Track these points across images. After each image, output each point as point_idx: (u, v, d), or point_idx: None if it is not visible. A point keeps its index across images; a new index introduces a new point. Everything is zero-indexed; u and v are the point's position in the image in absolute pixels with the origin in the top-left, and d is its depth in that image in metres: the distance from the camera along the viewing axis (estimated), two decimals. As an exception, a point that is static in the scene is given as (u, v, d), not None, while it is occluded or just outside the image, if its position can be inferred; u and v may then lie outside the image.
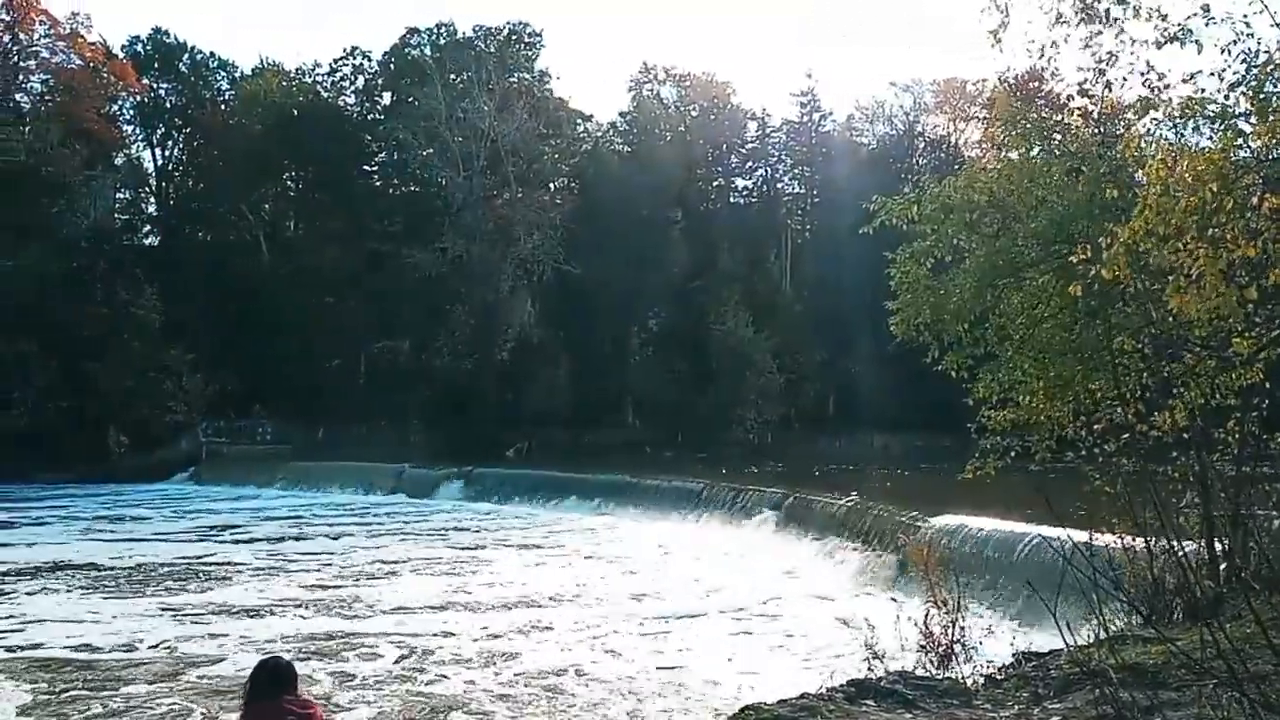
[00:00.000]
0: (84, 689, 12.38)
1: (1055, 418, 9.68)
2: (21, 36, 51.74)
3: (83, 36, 54.02)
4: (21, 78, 52.81)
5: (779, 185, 67.85)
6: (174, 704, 11.82)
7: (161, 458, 47.17)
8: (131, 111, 61.50)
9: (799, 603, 18.37)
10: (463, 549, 25.78)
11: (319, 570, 22.00)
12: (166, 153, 64.05)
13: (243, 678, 5.89)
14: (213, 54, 63.92)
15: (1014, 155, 10.30)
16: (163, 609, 17.37)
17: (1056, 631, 13.73)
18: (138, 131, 62.80)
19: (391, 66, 62.37)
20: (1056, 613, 5.40)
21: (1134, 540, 9.01)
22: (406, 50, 61.51)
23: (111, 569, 21.88)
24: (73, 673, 13.16)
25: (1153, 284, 7.67)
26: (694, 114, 65.13)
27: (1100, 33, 8.05)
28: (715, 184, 66.22)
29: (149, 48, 61.51)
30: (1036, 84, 11.41)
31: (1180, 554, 9.01)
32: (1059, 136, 10.00)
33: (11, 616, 16.67)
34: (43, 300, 45.39)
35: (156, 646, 14.63)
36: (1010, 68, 9.34)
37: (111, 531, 28.98)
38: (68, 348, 45.63)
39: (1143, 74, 7.89)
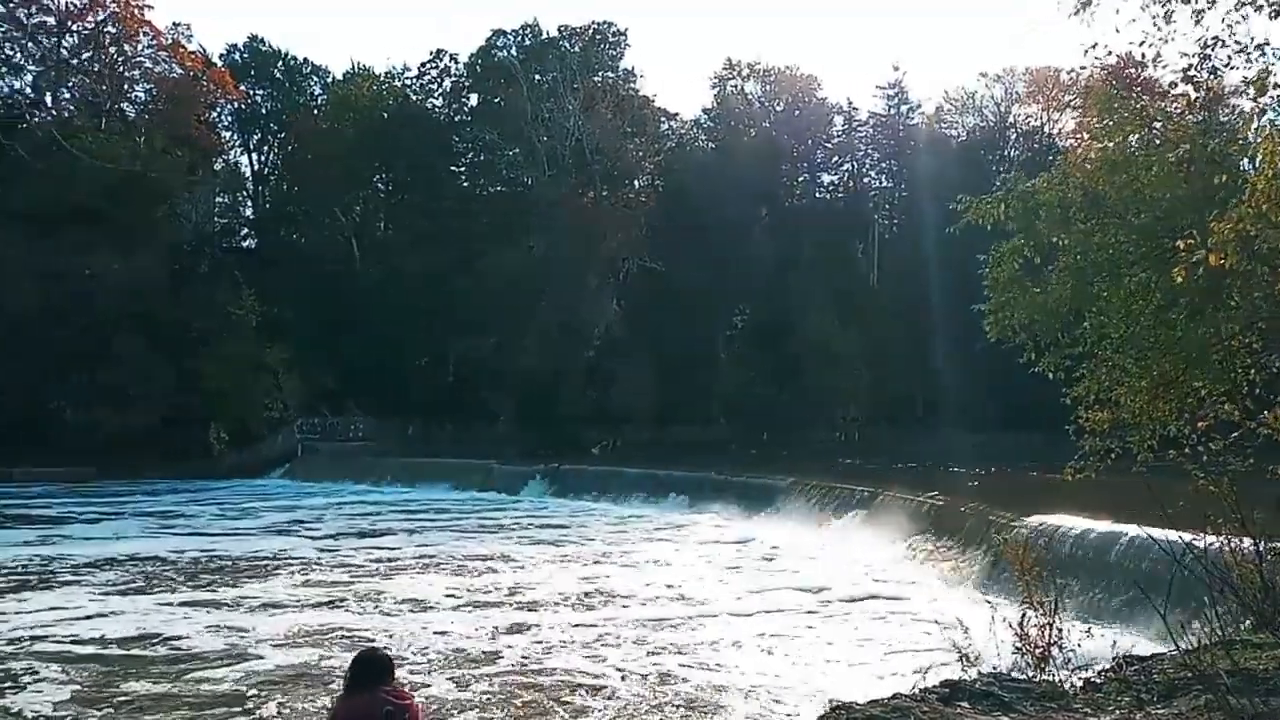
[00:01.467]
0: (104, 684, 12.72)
1: (1158, 417, 9.40)
2: (127, 49, 53.72)
3: (184, 46, 55.92)
4: (127, 88, 54.82)
5: (865, 180, 67.03)
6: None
7: (259, 455, 48.60)
8: (230, 118, 63.54)
9: (887, 601, 18.16)
10: (553, 544, 26.05)
11: (426, 563, 22.41)
12: (262, 157, 66.09)
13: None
14: (306, 60, 65.81)
15: (1110, 145, 10.01)
16: (214, 603, 17.77)
17: (1156, 635, 13.40)
18: (235, 137, 64.90)
19: (478, 68, 63.22)
20: (1165, 615, 5.22)
21: (1242, 542, 8.72)
22: (493, 52, 62.30)
23: (174, 562, 22.51)
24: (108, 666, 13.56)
25: (1263, 270, 7.39)
26: (779, 109, 64.70)
27: (1204, 11, 7.76)
28: (800, 179, 65.67)
29: (245, 55, 63.48)
30: (1135, 70, 11.08)
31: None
32: (1159, 125, 9.68)
33: (55, 608, 17.19)
34: (148, 302, 47.12)
35: (177, 639, 14.99)
36: (1107, 48, 9.03)
37: (192, 527, 29.89)
38: (171, 348, 47.33)
39: (1255, 49, 7.56)
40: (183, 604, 17.72)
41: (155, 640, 14.98)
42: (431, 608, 17.61)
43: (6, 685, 12.54)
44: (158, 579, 20.38)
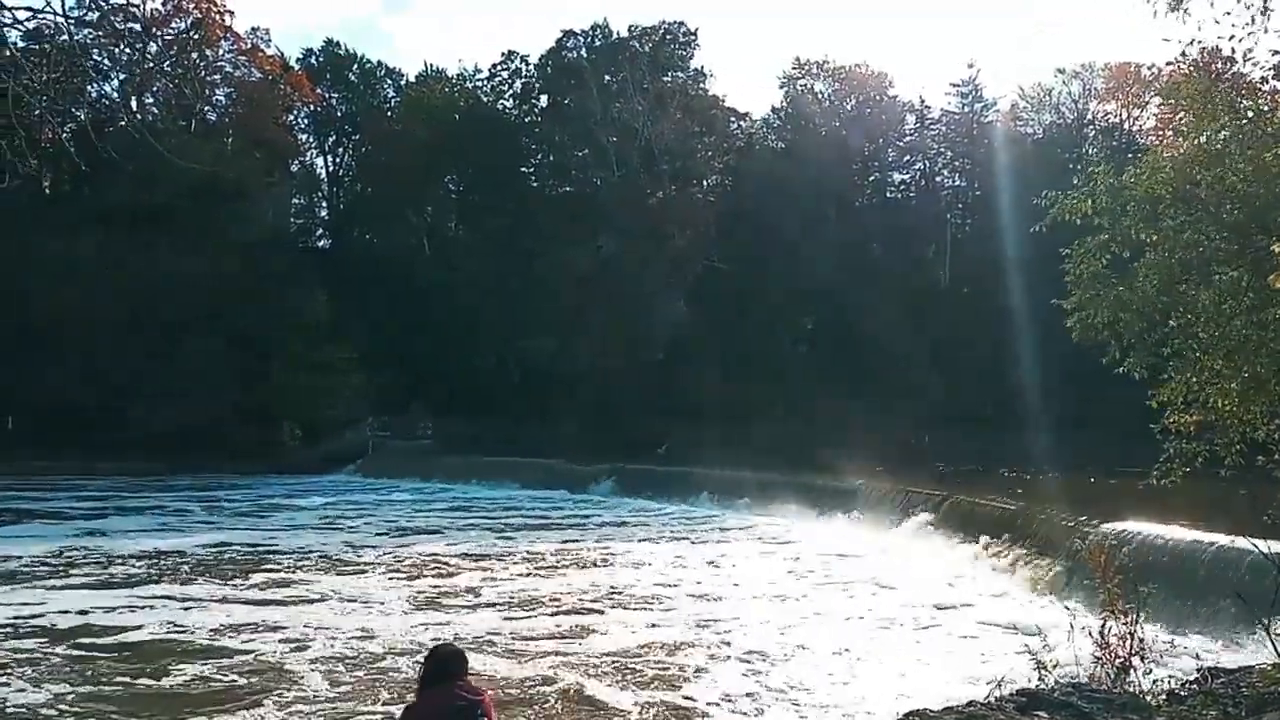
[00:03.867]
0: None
1: (1248, 420, 9.10)
2: (209, 53, 55.17)
3: (262, 50, 57.26)
4: (209, 92, 56.28)
5: (937, 179, 66.03)
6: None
7: (329, 452, 49.52)
8: (306, 120, 64.92)
9: (961, 608, 17.84)
10: (623, 542, 26.19)
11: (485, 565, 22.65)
12: (337, 159, 67.41)
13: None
14: (380, 63, 66.99)
15: (1201, 139, 9.71)
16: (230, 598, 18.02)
17: (1242, 648, 12.96)
18: (311, 139, 66.29)
19: (548, 69, 63.62)
20: (1269, 627, 5.04)
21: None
22: (563, 53, 62.66)
23: (212, 556, 22.97)
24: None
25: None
26: (848, 108, 64.04)
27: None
28: (871, 179, 64.92)
29: (321, 59, 64.81)
30: (1224, 64, 10.75)
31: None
32: (1249, 119, 9.37)
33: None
34: (224, 300, 48.35)
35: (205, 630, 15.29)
36: (1197, 40, 8.77)
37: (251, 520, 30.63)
38: (245, 346, 48.50)
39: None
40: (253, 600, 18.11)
41: (226, 631, 15.29)
42: (498, 604, 17.80)
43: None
44: (200, 571, 20.85)
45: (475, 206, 63.83)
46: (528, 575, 20.90)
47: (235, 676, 12.78)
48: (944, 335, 50.82)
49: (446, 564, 22.10)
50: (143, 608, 16.88)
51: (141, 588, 18.75)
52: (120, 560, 21.89)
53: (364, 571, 21.09)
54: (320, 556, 23.07)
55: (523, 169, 64.85)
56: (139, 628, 15.46)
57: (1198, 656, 11.77)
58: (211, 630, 15.23)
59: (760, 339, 53.12)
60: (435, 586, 19.40)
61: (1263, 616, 7.79)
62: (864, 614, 17.34)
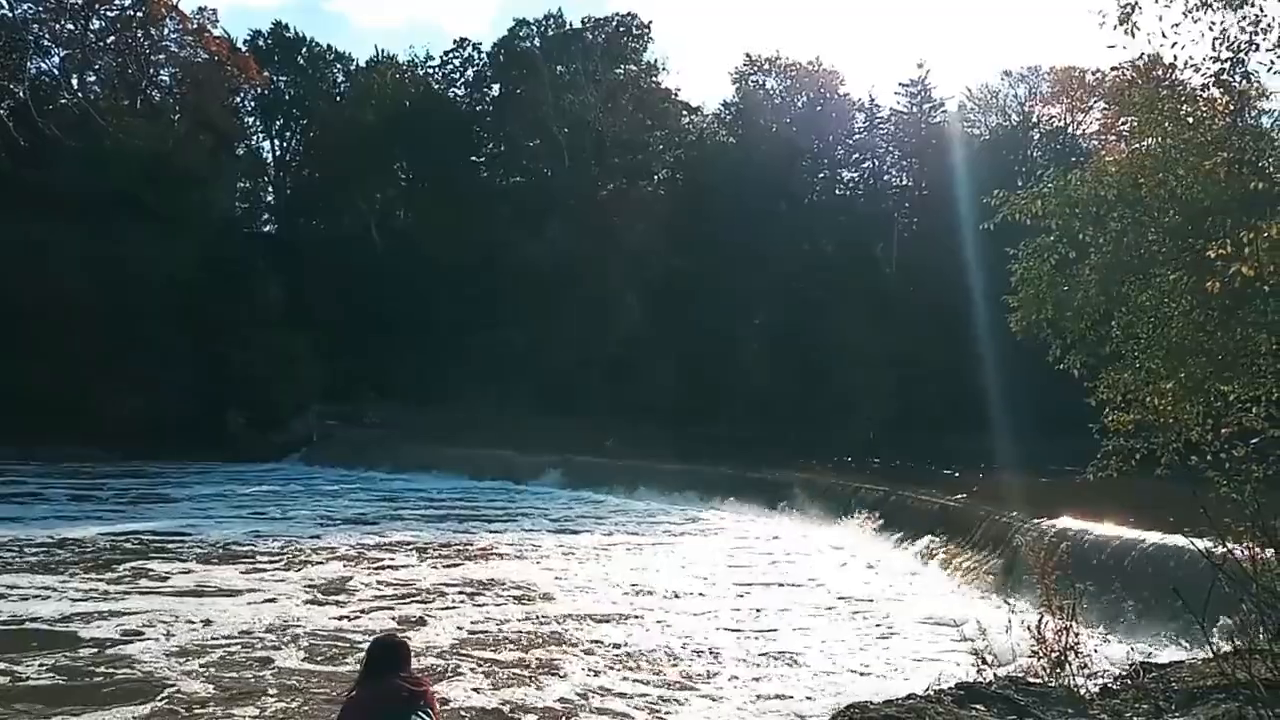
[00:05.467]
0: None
1: (1183, 420, 9.29)
2: (153, 32, 53.97)
3: (209, 31, 56.12)
4: (153, 71, 55.11)
5: (885, 178, 66.66)
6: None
7: (277, 440, 48.80)
8: (252, 104, 63.79)
9: (900, 602, 18.05)
10: (562, 533, 26.10)
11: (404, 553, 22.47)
12: (284, 144, 66.28)
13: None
14: (330, 47, 65.90)
15: (1146, 144, 9.90)
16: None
17: (1172, 643, 13.24)
18: (258, 123, 65.14)
19: (501, 58, 63.19)
20: (1203, 623, 5.13)
21: (1264, 551, 8.61)
22: (515, 42, 62.27)
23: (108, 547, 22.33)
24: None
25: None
26: (799, 105, 64.38)
27: (1245, 15, 7.65)
28: (820, 175, 65.28)
29: (270, 41, 63.61)
30: (1164, 72, 10.96)
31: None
32: (1191, 122, 9.56)
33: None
34: (175, 285, 47.44)
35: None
36: (1145, 53, 8.95)
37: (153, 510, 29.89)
38: (194, 332, 47.64)
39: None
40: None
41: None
42: (436, 594, 17.59)
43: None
44: (69, 563, 20.13)
45: (426, 195, 63.16)
46: (452, 566, 20.60)
47: (64, 672, 12.46)
48: (897, 334, 51.28)
49: (347, 556, 21.62)
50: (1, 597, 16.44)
51: (6, 576, 18.31)
52: (16, 549, 21.24)
53: (260, 563, 20.54)
54: (221, 547, 22.53)
55: (473, 158, 64.34)
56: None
57: (1131, 651, 12.03)
58: (61, 618, 14.91)
59: (713, 335, 53.24)
60: (328, 578, 18.97)
61: (1196, 612, 7.94)
62: (803, 608, 17.43)
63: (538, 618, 15.93)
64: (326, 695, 11.47)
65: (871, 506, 26.75)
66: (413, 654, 5.96)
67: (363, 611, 16.08)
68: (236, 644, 13.75)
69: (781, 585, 19.69)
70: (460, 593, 17.77)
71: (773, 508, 30.30)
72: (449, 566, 20.50)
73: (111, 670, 12.45)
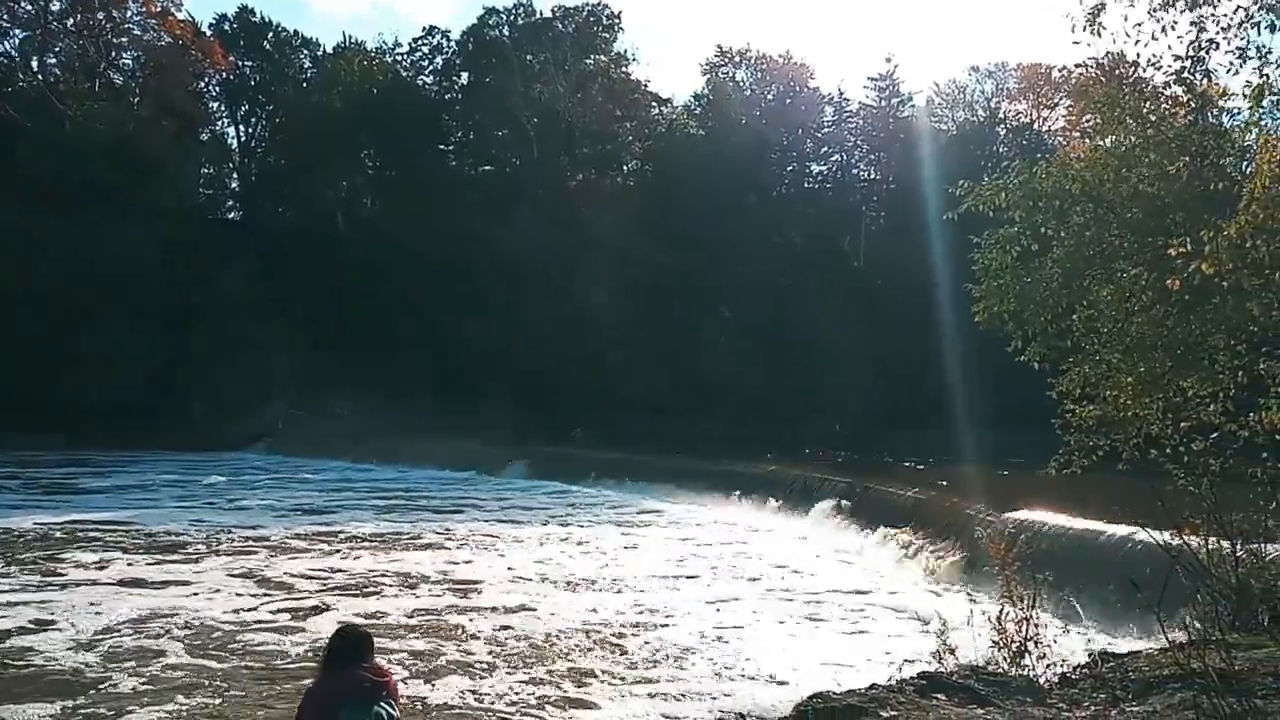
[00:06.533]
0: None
1: (1143, 415, 9.41)
2: (115, 14, 53.14)
3: (173, 14, 55.37)
4: (115, 54, 54.26)
5: (854, 171, 67.02)
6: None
7: (240, 429, 48.37)
8: (217, 89, 63.03)
9: (864, 593, 18.16)
10: (522, 524, 26.15)
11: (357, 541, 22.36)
12: (249, 130, 65.55)
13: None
14: (296, 32, 65.32)
15: (1107, 142, 10.01)
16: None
17: (1130, 634, 13.43)
18: (222, 108, 64.41)
19: (470, 47, 62.84)
20: (1159, 613, 5.20)
21: (1220, 543, 8.76)
22: (485, 31, 61.95)
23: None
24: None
25: (1256, 279, 7.39)
26: (769, 98, 64.54)
27: (1204, 15, 7.75)
28: (789, 169, 65.58)
29: (235, 26, 62.88)
30: (1127, 69, 11.09)
31: (1268, 558, 8.74)
32: (1153, 120, 9.68)
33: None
34: (136, 272, 46.82)
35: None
36: (1111, 53, 9.06)
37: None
38: (158, 320, 47.07)
39: (1254, 56, 7.58)
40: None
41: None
42: (370, 585, 17.51)
43: None
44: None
45: (393, 183, 62.84)
46: (394, 557, 20.44)
47: None
48: (866, 327, 51.54)
49: (287, 547, 21.45)
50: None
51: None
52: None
53: (196, 553, 20.31)
54: (160, 537, 22.24)
55: (441, 147, 64.00)
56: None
57: (1089, 641, 12.18)
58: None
59: (682, 328, 53.32)
60: (263, 568, 18.78)
61: (1153, 603, 8.06)
62: (766, 599, 17.50)
63: (471, 610, 15.76)
64: (248, 691, 11.27)
65: (837, 499, 26.92)
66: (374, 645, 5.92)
67: (293, 604, 15.88)
68: (157, 636, 13.47)
69: (743, 577, 19.73)
70: (397, 584, 17.64)
71: (737, 497, 30.45)
72: (390, 558, 20.34)
73: (10, 663, 12.13)
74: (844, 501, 26.53)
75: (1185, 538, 8.90)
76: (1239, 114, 8.73)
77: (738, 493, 30.71)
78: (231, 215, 65.18)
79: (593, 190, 57.80)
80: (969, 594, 14.57)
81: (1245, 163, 8.83)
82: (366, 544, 22.00)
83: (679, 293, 53.37)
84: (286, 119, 63.25)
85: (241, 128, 65.46)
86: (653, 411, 48.49)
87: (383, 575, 18.37)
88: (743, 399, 49.89)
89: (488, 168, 63.47)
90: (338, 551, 20.95)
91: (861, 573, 20.40)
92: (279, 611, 15.29)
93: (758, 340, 52.51)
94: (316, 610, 15.50)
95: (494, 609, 15.84)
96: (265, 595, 16.48)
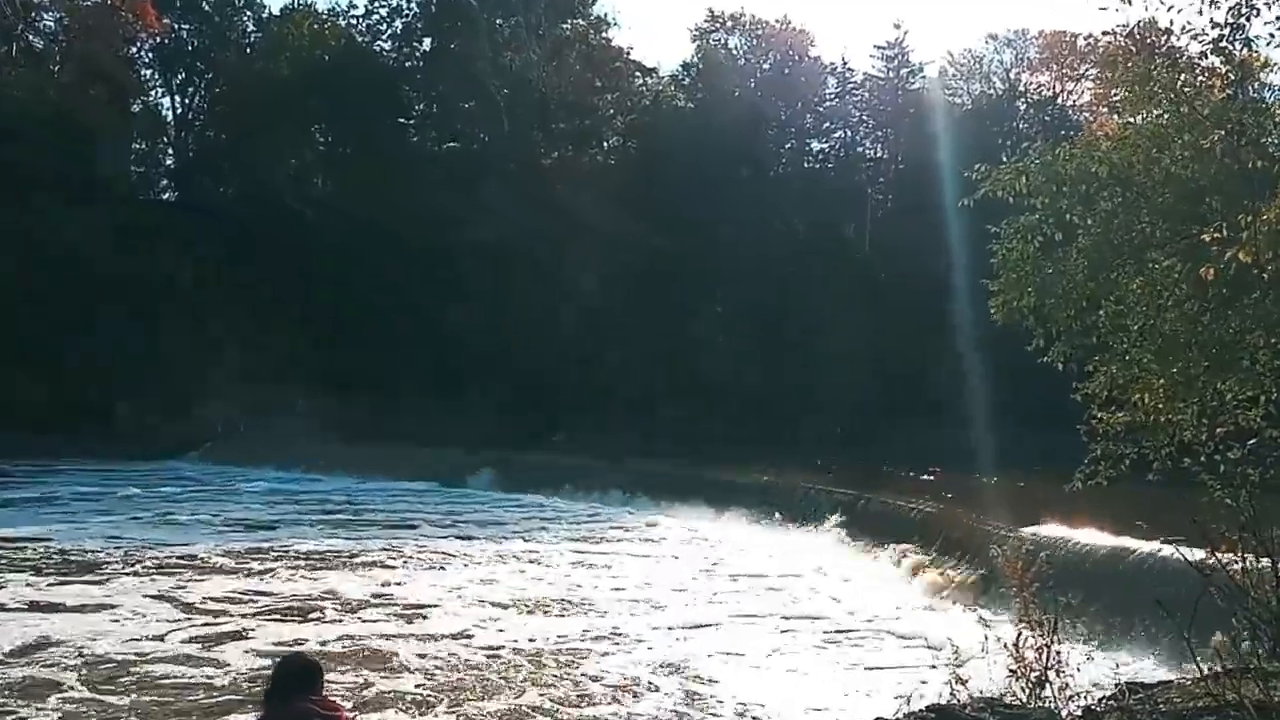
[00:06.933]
0: None
1: (1176, 420, 9.44)
2: (34, -30, 52.79)
3: (100, -29, 55.00)
4: (35, 15, 53.79)
5: (859, 149, 67.10)
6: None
7: (176, 433, 47.97)
8: (150, 55, 62.57)
9: (869, 617, 18.24)
10: (492, 541, 26.17)
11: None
12: (186, 100, 65.07)
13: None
14: (240, -8, 64.74)
15: (1137, 120, 10.04)
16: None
17: (1162, 662, 13.51)
18: (156, 76, 63.91)
19: (432, 9, 62.59)
20: (1189, 639, 5.21)
21: (1259, 562, 8.81)
22: (450, -9, 61.70)
23: None
24: None
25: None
26: (766, 67, 64.56)
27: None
28: (788, 146, 65.60)
29: (171, -16, 62.38)
30: (1160, 38, 11.13)
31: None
32: (1188, 94, 9.70)
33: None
34: (55, 259, 46.32)
35: None
36: (1138, 20, 9.08)
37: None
38: (81, 311, 46.63)
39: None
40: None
41: None
42: (306, 609, 17.52)
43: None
44: None
45: (347, 159, 62.44)
46: (337, 577, 20.44)
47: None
48: (871, 320, 51.68)
49: (216, 567, 21.42)
50: None
51: None
52: None
53: (110, 574, 20.16)
54: (70, 556, 22.02)
55: (401, 120, 63.72)
56: None
57: (1116, 670, 12.26)
58: None
59: (672, 317, 53.34)
60: (185, 591, 18.70)
61: (1184, 628, 8.10)
62: (765, 624, 17.56)
63: (411, 636, 15.82)
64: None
65: (840, 512, 27.01)
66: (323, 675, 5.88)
67: (211, 629, 15.89)
68: (52, 667, 13.38)
69: (741, 598, 19.81)
70: (333, 607, 17.66)
71: (732, 512, 30.49)
72: (329, 578, 20.37)
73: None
74: (846, 515, 26.63)
75: (1220, 555, 8.95)
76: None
77: (729, 505, 30.76)
78: (166, 195, 64.70)
79: (569, 168, 57.66)
80: (983, 617, 14.54)
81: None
82: (305, 563, 22.00)
83: (667, 282, 53.37)
84: (228, 88, 62.77)
85: (178, 98, 64.90)
86: (642, 409, 48.59)
87: (318, 598, 18.40)
88: (739, 397, 49.98)
89: (453, 143, 63.15)
90: (271, 571, 20.92)
91: (865, 594, 20.47)
92: (194, 639, 15.23)
93: (754, 334, 52.58)
94: (237, 636, 15.51)
95: (436, 636, 15.92)
96: (183, 620, 16.46)
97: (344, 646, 15.04)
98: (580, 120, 60.00)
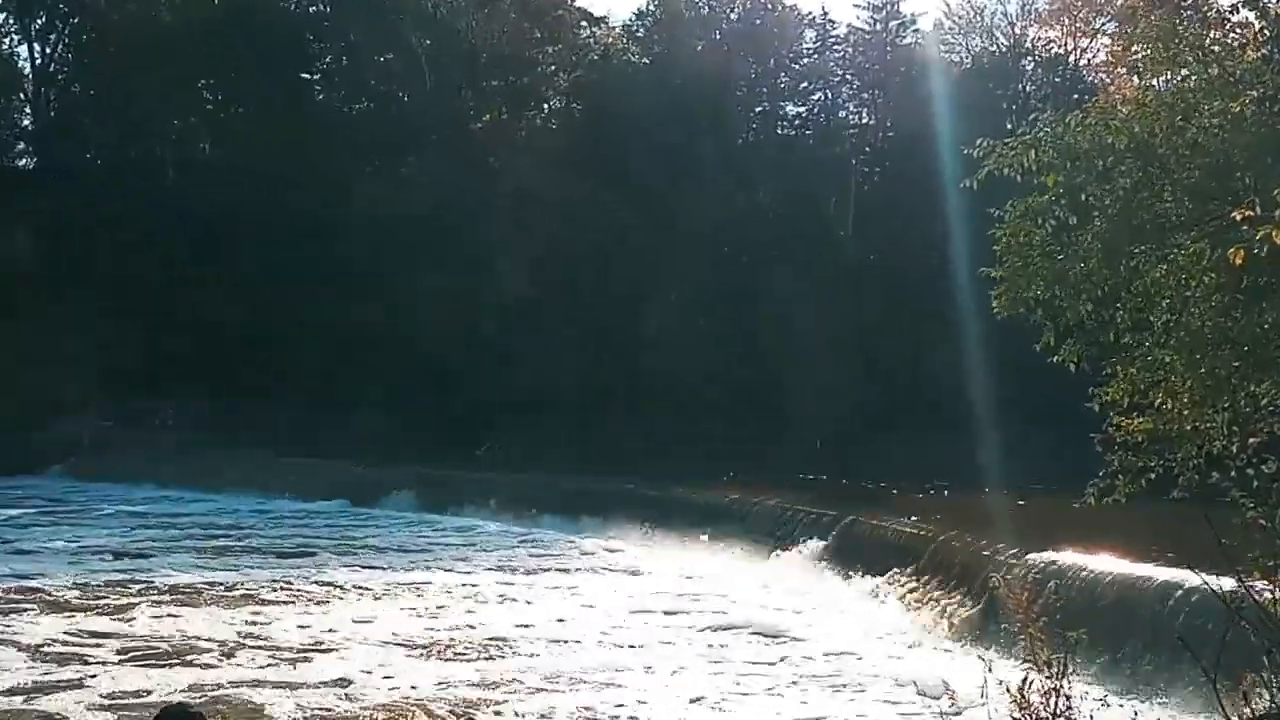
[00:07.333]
0: None
1: (1204, 429, 9.57)
2: None
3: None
4: None
5: (841, 114, 67.43)
6: None
7: (32, 446, 47.31)
8: (2, -5, 61.71)
9: (853, 656, 18.37)
10: (411, 571, 26.20)
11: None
12: (48, 50, 64.19)
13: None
14: (111, -76, 64.02)
15: (1159, 82, 10.17)
16: None
17: (1187, 707, 13.75)
18: (11, 22, 62.94)
19: (344, -54, 62.32)
20: (1215, 681, 5.31)
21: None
22: (363, -74, 61.42)
23: None
24: None
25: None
26: (733, 18, 64.75)
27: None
28: (758, 109, 65.84)
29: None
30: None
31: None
32: (1217, 54, 9.84)
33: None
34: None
35: None
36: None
37: None
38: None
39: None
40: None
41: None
42: (174, 655, 17.39)
43: None
44: None
45: (242, 122, 61.83)
46: (215, 616, 20.36)
47: None
48: (852, 310, 51.99)
49: (67, 604, 21.13)
50: None
51: None
52: None
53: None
54: None
55: (305, 75, 63.35)
56: None
57: (1135, 716, 12.44)
58: None
59: (620, 307, 53.35)
60: (30, 633, 18.54)
61: (1210, 667, 8.23)
62: (732, 662, 17.64)
63: (290, 685, 15.80)
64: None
65: (819, 534, 27.15)
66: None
67: (45, 677, 15.76)
68: None
69: (701, 635, 19.88)
70: (198, 650, 17.60)
71: (693, 536, 30.54)
72: (201, 616, 20.32)
73: None
74: (826, 539, 26.78)
75: (1253, 585, 9.10)
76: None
77: (684, 527, 30.89)
78: (21, 162, 63.85)
79: (504, 133, 57.58)
80: (983, 657, 14.70)
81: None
82: (172, 598, 21.86)
83: (615, 263, 53.37)
84: (98, 37, 62.04)
85: (36, 47, 64.11)
86: (583, 415, 48.54)
87: (182, 639, 18.32)
88: (698, 400, 50.06)
89: (367, 103, 62.95)
90: (131, 607, 20.74)
91: (849, 629, 20.62)
92: (24, 688, 15.14)
93: (714, 324, 52.75)
94: (75, 685, 15.39)
95: (313, 683, 15.90)
96: (17, 664, 16.33)
97: (203, 696, 14.91)
98: (516, 77, 59.91)
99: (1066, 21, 62.93)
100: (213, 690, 15.33)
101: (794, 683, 16.76)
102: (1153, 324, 9.74)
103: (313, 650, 17.91)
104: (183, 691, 15.13)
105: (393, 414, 48.30)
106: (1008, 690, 9.13)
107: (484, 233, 53.00)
